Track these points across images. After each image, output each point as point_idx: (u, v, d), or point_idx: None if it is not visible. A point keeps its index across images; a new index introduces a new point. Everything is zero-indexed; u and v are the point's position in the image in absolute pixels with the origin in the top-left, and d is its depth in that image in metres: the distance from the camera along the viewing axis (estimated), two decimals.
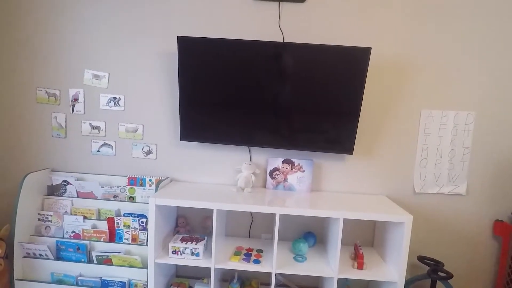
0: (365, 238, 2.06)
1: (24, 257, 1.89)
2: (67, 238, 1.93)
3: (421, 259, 1.92)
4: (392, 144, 2.00)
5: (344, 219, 1.65)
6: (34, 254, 1.89)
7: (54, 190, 2.04)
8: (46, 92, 2.06)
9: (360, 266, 1.72)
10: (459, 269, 2.05)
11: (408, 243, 1.62)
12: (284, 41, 1.93)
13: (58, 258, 1.91)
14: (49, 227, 1.96)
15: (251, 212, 2.06)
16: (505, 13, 1.88)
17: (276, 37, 1.93)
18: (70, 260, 1.89)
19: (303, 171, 1.99)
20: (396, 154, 2.01)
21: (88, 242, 1.90)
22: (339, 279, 1.67)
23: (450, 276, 1.78)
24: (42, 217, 1.96)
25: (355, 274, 1.68)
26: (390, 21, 1.91)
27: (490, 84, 1.94)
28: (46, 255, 1.88)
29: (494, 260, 2.05)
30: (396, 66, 1.94)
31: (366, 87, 1.88)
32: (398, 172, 2.02)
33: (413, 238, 2.02)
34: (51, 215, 1.95)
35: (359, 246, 1.79)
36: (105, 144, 2.08)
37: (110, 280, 1.86)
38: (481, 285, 2.08)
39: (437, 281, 1.86)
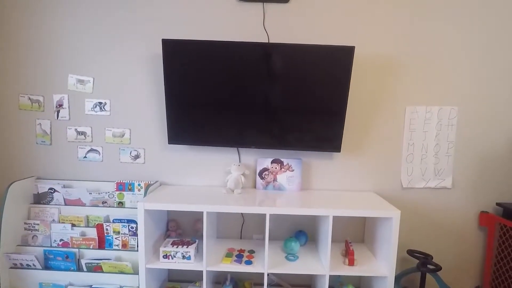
0: (355, 235, 2.08)
1: (11, 268, 1.85)
2: (55, 247, 1.90)
3: (411, 252, 1.95)
4: (379, 140, 2.03)
5: (334, 217, 1.66)
6: (21, 264, 1.85)
7: (41, 198, 2.00)
8: (29, 98, 2.02)
9: (351, 263, 1.74)
10: (448, 261, 2.10)
11: (396, 237, 1.64)
12: (269, 41, 1.94)
13: (47, 267, 1.87)
14: (36, 236, 1.92)
15: (242, 213, 2.06)
16: (486, 12, 1.93)
17: (261, 38, 1.94)
18: (59, 269, 1.86)
19: (292, 170, 2.00)
20: (383, 151, 2.04)
21: (77, 250, 1.87)
22: (331, 276, 1.69)
23: (438, 268, 1.82)
24: (29, 226, 1.92)
25: (346, 271, 1.70)
26: (374, 20, 1.94)
27: (471, 80, 1.98)
28: (33, 265, 1.84)
29: (481, 250, 2.10)
30: (380, 64, 1.97)
31: (352, 86, 1.91)
32: (386, 168, 2.05)
33: (402, 233, 2.05)
34: (38, 224, 1.92)
35: (350, 242, 1.81)
36: (92, 150, 2.05)
37: None
38: (469, 275, 2.13)
39: (427, 273, 1.90)
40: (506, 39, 1.95)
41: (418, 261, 1.90)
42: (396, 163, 2.04)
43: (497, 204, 2.03)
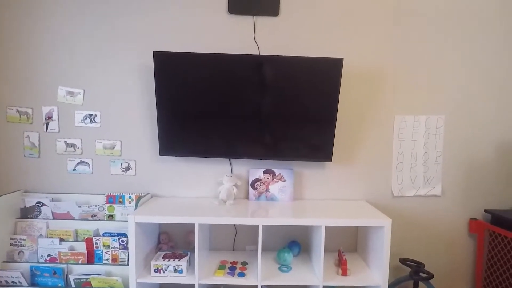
0: (348, 244, 2.08)
1: None
2: (43, 263, 1.84)
3: (403, 261, 1.96)
4: (369, 150, 2.06)
5: (327, 226, 1.67)
6: (6, 282, 1.79)
7: (28, 213, 1.95)
8: (18, 110, 2.00)
9: (344, 273, 1.73)
10: (440, 268, 2.11)
11: (388, 246, 1.65)
12: (260, 53, 1.97)
13: (33, 284, 1.81)
14: (23, 252, 1.87)
15: (234, 225, 2.05)
16: (472, 23, 2.00)
17: (252, 50, 1.97)
18: (46, 286, 1.81)
19: (284, 181, 2.00)
20: (373, 160, 2.07)
21: (65, 265, 1.82)
22: (324, 287, 1.68)
23: (431, 276, 1.83)
24: (15, 242, 1.87)
25: (339, 281, 1.70)
26: (362, 31, 1.99)
27: (457, 89, 2.04)
28: (19, 282, 1.78)
29: (472, 256, 2.13)
30: (369, 75, 2.02)
31: (342, 96, 1.94)
32: (376, 177, 2.07)
33: (394, 241, 2.07)
34: (24, 239, 1.86)
35: (343, 252, 1.81)
36: (81, 162, 2.03)
37: None
38: (461, 282, 2.14)
39: (419, 281, 1.90)
40: (491, 49, 2.02)
41: (410, 269, 1.91)
42: (387, 172, 2.07)
43: (486, 211, 2.07)
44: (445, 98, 2.04)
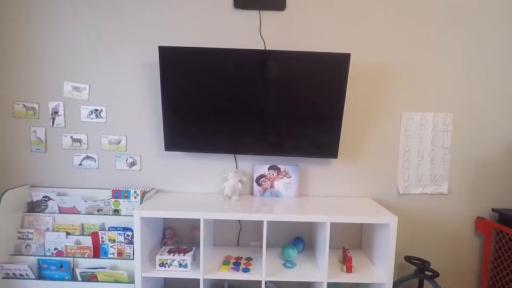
0: (353, 241, 2.07)
1: (4, 278, 1.81)
2: (49, 256, 1.87)
3: (408, 259, 1.95)
4: (375, 147, 2.04)
5: (332, 223, 1.66)
6: (14, 274, 1.81)
7: (35, 207, 1.97)
8: (24, 105, 2.01)
9: (349, 270, 1.73)
10: (445, 267, 2.10)
11: (394, 244, 1.64)
12: (266, 48, 1.95)
13: (40, 277, 1.83)
14: (30, 245, 1.89)
15: (239, 220, 2.05)
16: (479, 20, 1.96)
17: (258, 45, 1.95)
18: (52, 278, 1.83)
19: (289, 177, 2.00)
20: (379, 157, 2.05)
21: (72, 259, 1.84)
22: (329, 283, 1.67)
23: (436, 274, 1.81)
24: (22, 235, 1.89)
25: (344, 278, 1.69)
26: (369, 27, 1.97)
27: (465, 86, 2.01)
28: (27, 274, 1.81)
29: (478, 256, 2.11)
30: (376, 71, 1.99)
31: (348, 93, 1.92)
32: (382, 174, 2.06)
33: (400, 239, 2.05)
34: (31, 233, 1.89)
35: (347, 249, 1.81)
36: (87, 157, 2.04)
37: None
38: (466, 281, 2.13)
39: (424, 280, 1.89)
40: (499, 46, 1.98)
41: (415, 267, 1.89)
42: (393, 169, 2.05)
43: (493, 210, 2.04)
44: (453, 95, 2.01)
